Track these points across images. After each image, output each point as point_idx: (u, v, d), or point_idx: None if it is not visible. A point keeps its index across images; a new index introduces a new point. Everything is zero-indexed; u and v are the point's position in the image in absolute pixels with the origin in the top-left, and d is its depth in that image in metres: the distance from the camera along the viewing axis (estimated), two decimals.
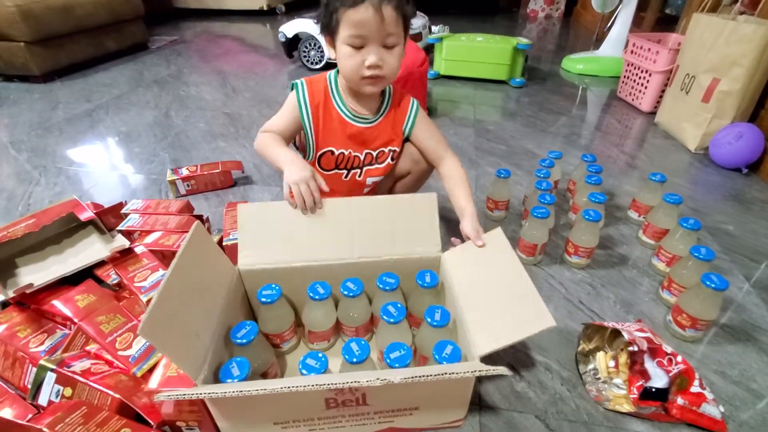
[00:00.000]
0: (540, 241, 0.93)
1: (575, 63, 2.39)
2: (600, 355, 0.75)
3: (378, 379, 0.45)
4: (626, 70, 1.95)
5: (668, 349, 0.69)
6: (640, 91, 1.86)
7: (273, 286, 0.70)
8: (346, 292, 0.70)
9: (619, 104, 1.98)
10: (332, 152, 0.89)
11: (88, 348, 0.71)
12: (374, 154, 0.91)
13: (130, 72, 2.45)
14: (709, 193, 1.30)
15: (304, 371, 0.58)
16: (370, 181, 0.93)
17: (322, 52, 2.30)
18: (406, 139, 0.92)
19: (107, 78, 2.35)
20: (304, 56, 2.36)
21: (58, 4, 2.20)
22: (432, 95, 2.06)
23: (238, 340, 0.61)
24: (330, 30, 0.76)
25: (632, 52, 1.89)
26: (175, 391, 0.46)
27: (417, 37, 2.26)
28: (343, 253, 0.74)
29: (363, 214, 0.75)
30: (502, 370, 0.46)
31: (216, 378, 0.57)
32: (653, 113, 1.79)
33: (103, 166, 1.44)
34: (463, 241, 0.76)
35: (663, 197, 0.98)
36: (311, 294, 0.70)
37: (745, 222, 1.14)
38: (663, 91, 1.76)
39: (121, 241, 0.96)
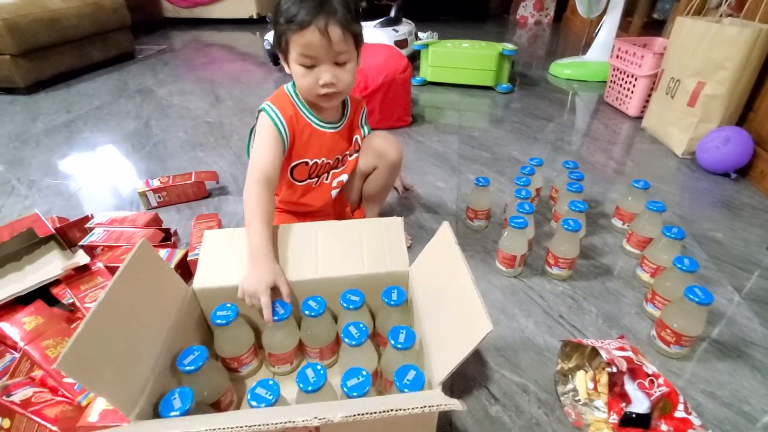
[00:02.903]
0: (519, 252, 0.89)
1: (563, 68, 2.37)
2: (580, 374, 0.71)
3: (316, 418, 0.40)
4: (612, 75, 1.93)
5: (650, 369, 0.64)
6: (626, 96, 1.83)
7: (228, 305, 0.66)
8: (307, 312, 0.66)
9: (606, 109, 1.95)
10: (306, 163, 0.87)
11: (33, 374, 0.67)
12: (340, 157, 0.91)
13: (113, 82, 2.42)
14: (696, 199, 1.26)
15: (253, 402, 0.53)
16: (335, 182, 0.93)
17: None
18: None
19: (90, 88, 2.32)
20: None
21: (44, 16, 2.18)
22: (418, 102, 2.03)
23: (185, 368, 0.57)
24: (282, 49, 0.77)
25: (618, 56, 1.87)
26: None
27: (402, 44, 2.24)
28: (306, 272, 0.69)
29: (328, 237, 0.74)
30: (454, 404, 0.42)
31: (156, 411, 0.52)
32: (640, 118, 1.77)
33: (76, 179, 1.40)
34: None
35: (646, 205, 0.94)
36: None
37: (734, 229, 1.11)
38: (649, 95, 1.73)
39: (82, 259, 0.91)
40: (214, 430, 0.40)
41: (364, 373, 0.55)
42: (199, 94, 2.19)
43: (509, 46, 2.04)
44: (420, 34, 2.53)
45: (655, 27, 2.68)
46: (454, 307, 0.55)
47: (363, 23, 0.76)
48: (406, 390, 0.53)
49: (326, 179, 0.92)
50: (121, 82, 2.42)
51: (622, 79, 1.84)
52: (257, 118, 0.83)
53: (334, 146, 0.88)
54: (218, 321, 0.64)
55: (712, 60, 1.36)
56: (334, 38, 0.71)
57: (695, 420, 0.62)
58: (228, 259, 0.71)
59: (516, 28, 3.97)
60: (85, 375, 0.44)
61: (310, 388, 0.54)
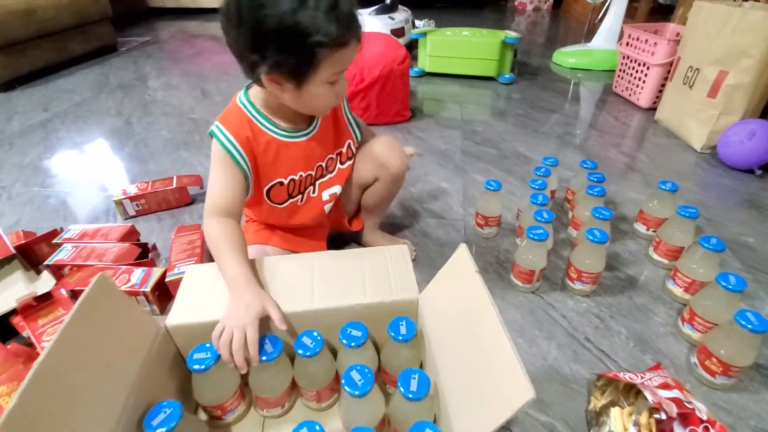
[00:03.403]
0: (538, 267, 0.79)
1: (567, 57, 2.26)
2: (615, 412, 0.62)
3: None
4: (622, 64, 1.82)
5: (702, 413, 0.55)
6: (637, 86, 1.73)
7: (207, 345, 0.56)
8: (301, 351, 0.56)
9: (615, 100, 1.85)
10: (281, 183, 0.74)
11: None
12: (324, 164, 0.78)
13: (94, 76, 2.29)
14: (721, 198, 1.17)
15: None
16: (326, 195, 0.81)
17: None
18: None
19: (70, 84, 2.18)
20: None
21: (19, 8, 2.04)
22: (416, 95, 1.92)
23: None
24: (297, 72, 0.59)
25: (628, 44, 1.76)
26: None
27: (399, 33, 2.12)
28: (300, 302, 0.60)
29: (325, 265, 0.65)
30: None
31: None
32: (653, 109, 1.67)
33: (49, 185, 1.28)
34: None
35: (677, 210, 0.85)
36: None
37: (766, 233, 1.02)
38: (663, 85, 1.63)
39: (45, 283, 0.81)
40: None
41: None
42: (185, 88, 2.06)
43: (512, 33, 1.92)
44: (417, 22, 2.40)
45: (662, 12, 2.57)
46: (480, 356, 0.45)
47: (357, 11, 0.63)
48: None
49: (313, 192, 0.80)
50: (102, 76, 2.28)
51: (633, 68, 1.74)
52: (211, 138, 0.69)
53: (311, 155, 0.75)
54: (196, 366, 0.54)
55: (735, 47, 1.26)
56: (358, 49, 0.62)
57: None
58: (210, 293, 0.61)
59: (514, 15, 3.84)
60: None
61: None
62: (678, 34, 1.56)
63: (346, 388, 0.51)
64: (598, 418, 0.62)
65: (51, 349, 0.41)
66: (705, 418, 0.54)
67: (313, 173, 0.77)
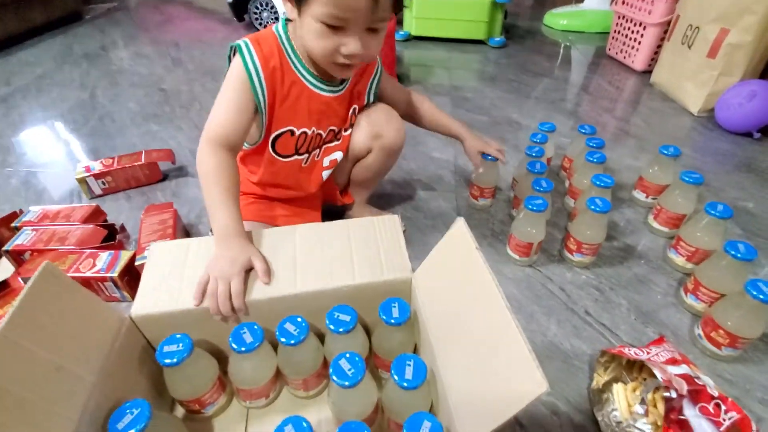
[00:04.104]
0: (536, 239, 0.75)
1: (558, 18, 2.16)
2: (618, 389, 0.59)
3: None
4: (616, 24, 1.74)
5: (713, 389, 0.52)
6: (632, 47, 1.66)
7: (178, 337, 0.50)
8: (284, 339, 0.51)
9: (608, 63, 1.78)
10: (292, 132, 0.68)
11: None
12: (336, 130, 0.72)
13: (58, 47, 2.12)
14: (718, 163, 1.13)
15: None
16: (327, 161, 0.75)
17: (276, 12, 2.01)
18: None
19: (32, 56, 2.02)
20: (256, 18, 2.06)
21: None
22: (402, 60, 1.82)
23: None
24: None
25: (623, 2, 1.68)
26: None
27: None
28: (282, 285, 0.54)
29: (309, 241, 0.59)
30: None
31: None
32: (648, 72, 1.61)
33: (9, 164, 1.18)
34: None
35: (680, 175, 0.80)
36: (235, 344, 0.50)
37: (765, 197, 0.99)
38: (659, 46, 1.57)
39: (4, 269, 0.74)
40: None
41: (365, 430, 0.42)
42: (154, 57, 1.92)
43: None
44: None
45: None
46: (485, 342, 0.40)
47: None
48: None
49: (317, 156, 0.74)
50: (66, 47, 2.12)
51: (628, 29, 1.66)
52: (229, 57, 0.63)
53: (330, 115, 0.70)
54: (167, 361, 0.48)
55: (737, 3, 1.19)
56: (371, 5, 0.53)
57: None
58: (180, 274, 0.55)
59: None
60: None
61: None
62: None
63: (335, 378, 0.46)
64: (601, 396, 0.59)
65: None
66: (716, 394, 0.52)
67: (324, 134, 0.71)
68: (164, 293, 0.53)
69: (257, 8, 2.04)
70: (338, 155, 0.75)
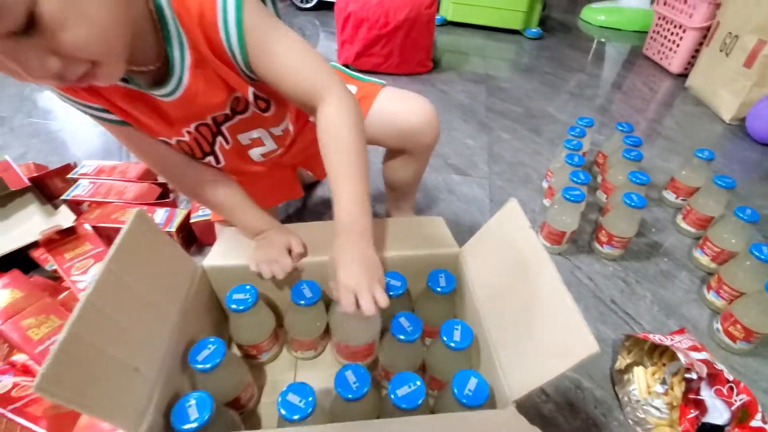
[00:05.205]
0: (570, 228, 0.78)
1: (596, 13, 2.14)
2: (639, 371, 0.63)
3: None
4: (656, 24, 1.73)
5: (729, 374, 0.57)
6: (670, 49, 1.66)
7: (246, 287, 0.55)
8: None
9: (644, 63, 1.78)
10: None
11: (13, 359, 0.57)
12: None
13: None
14: (746, 171, 1.15)
15: (282, 411, 0.44)
16: (245, 140, 0.57)
17: None
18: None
19: None
20: None
21: None
22: (437, 45, 1.83)
23: (200, 366, 0.47)
24: None
25: (665, 3, 1.66)
26: None
27: None
28: None
29: None
30: None
31: (167, 421, 0.43)
32: (683, 75, 1.61)
33: (56, 117, 1.23)
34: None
35: (713, 179, 0.83)
36: (295, 298, 0.55)
37: None
38: (697, 50, 1.56)
39: (64, 217, 0.79)
40: None
41: (418, 383, 0.46)
42: None
43: None
44: None
45: None
46: (536, 310, 0.45)
47: None
48: (467, 403, 0.44)
49: (227, 144, 0.56)
50: None
51: (668, 30, 1.66)
52: None
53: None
54: (235, 306, 0.53)
55: None
56: None
57: None
58: (249, 241, 0.60)
59: None
60: (73, 395, 0.34)
61: (350, 396, 0.45)
62: None
63: (395, 333, 0.51)
64: (623, 377, 0.64)
65: (96, 286, 0.39)
66: (731, 378, 0.56)
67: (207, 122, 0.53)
68: (234, 251, 0.58)
69: None
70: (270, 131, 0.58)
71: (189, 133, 0.52)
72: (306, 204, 0.94)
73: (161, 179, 0.90)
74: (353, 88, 0.63)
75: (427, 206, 0.95)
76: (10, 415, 0.48)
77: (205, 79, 0.45)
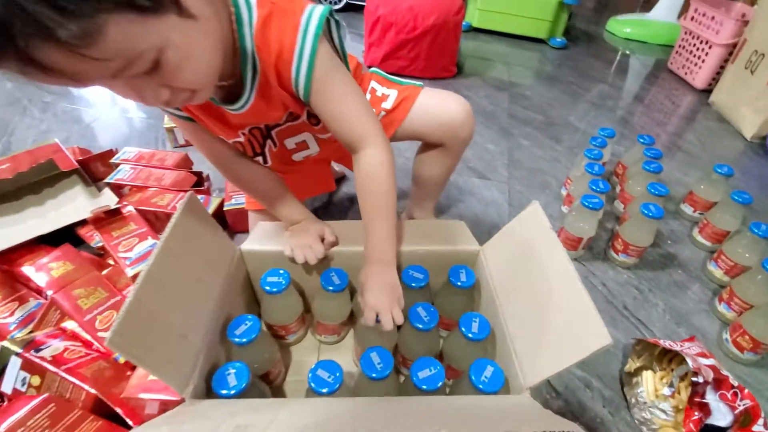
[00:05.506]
0: (587, 235, 0.81)
1: (622, 26, 2.15)
2: (647, 375, 0.65)
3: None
4: (682, 39, 1.74)
5: (735, 381, 0.59)
6: (695, 64, 1.66)
7: (280, 271, 0.59)
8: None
9: (668, 77, 1.78)
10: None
11: (63, 325, 0.62)
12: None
13: None
14: (763, 188, 1.16)
15: (313, 385, 0.48)
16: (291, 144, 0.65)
17: None
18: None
19: None
20: None
21: None
22: (461, 50, 1.86)
23: (237, 339, 0.51)
24: None
25: (693, 18, 1.67)
26: (149, 430, 0.37)
27: None
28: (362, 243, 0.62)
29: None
30: (575, 429, 0.36)
31: (208, 386, 0.47)
32: (707, 91, 1.61)
33: (95, 105, 1.30)
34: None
35: (731, 195, 0.85)
36: (324, 284, 0.59)
37: None
38: (722, 67, 1.57)
39: (109, 198, 0.84)
40: None
41: (438, 367, 0.50)
42: None
43: None
44: None
45: None
46: (554, 305, 0.48)
47: None
48: (484, 389, 0.48)
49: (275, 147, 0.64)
50: None
51: (694, 45, 1.66)
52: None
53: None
54: (269, 288, 0.57)
55: None
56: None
57: None
58: (284, 231, 0.65)
59: None
60: (137, 352, 0.38)
61: (374, 375, 0.49)
62: (744, 15, 1.48)
63: (413, 321, 0.54)
64: (631, 379, 0.66)
65: (155, 259, 0.44)
66: (736, 384, 0.58)
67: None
68: (269, 238, 0.63)
69: None
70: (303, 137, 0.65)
71: (244, 134, 0.59)
72: (332, 198, 0.99)
73: (196, 168, 0.95)
74: (393, 92, 0.67)
75: (448, 207, 0.98)
76: (63, 374, 0.53)
77: (267, 99, 0.51)
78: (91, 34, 0.29)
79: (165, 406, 0.52)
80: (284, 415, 0.39)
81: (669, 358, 0.67)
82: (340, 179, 1.03)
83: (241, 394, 0.47)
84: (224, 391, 0.46)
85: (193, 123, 0.56)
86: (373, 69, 0.71)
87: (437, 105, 0.68)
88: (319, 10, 0.46)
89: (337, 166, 0.94)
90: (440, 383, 0.49)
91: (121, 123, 1.22)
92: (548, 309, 0.48)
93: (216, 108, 0.52)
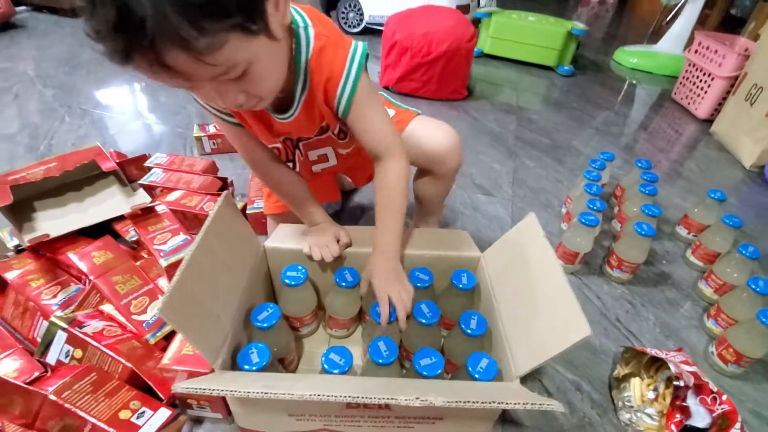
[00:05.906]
0: (583, 250, 0.86)
1: (629, 56, 2.23)
2: (635, 381, 0.70)
3: (418, 399, 0.40)
4: (686, 71, 1.81)
5: (714, 386, 0.63)
6: (698, 95, 1.73)
7: (299, 267, 0.66)
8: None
9: (671, 107, 1.85)
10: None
11: (101, 308, 0.68)
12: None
13: None
14: (759, 216, 1.20)
15: (326, 366, 0.54)
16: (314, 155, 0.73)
17: (362, 14, 2.18)
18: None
19: None
20: (342, 17, 2.24)
21: None
22: (472, 75, 1.95)
23: (259, 324, 0.57)
24: None
25: (696, 51, 1.74)
26: (194, 384, 0.43)
27: (465, 9, 2.12)
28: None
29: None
30: (557, 406, 0.42)
31: (234, 362, 0.53)
32: (708, 121, 1.67)
33: (128, 113, 1.40)
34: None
35: (722, 218, 0.90)
36: (338, 280, 0.65)
37: None
38: (724, 98, 1.63)
39: (143, 198, 0.92)
40: (325, 396, 0.41)
41: (438, 357, 0.55)
42: None
43: (579, 24, 1.91)
44: (481, 1, 2.39)
45: (733, 24, 2.50)
46: (543, 303, 0.53)
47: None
48: (479, 378, 0.53)
49: (301, 156, 0.74)
50: None
51: (697, 77, 1.73)
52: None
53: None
54: (288, 281, 0.64)
55: None
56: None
57: None
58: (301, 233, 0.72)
59: (577, 6, 3.74)
60: (181, 323, 0.45)
61: (381, 361, 0.55)
62: (746, 49, 1.55)
63: (417, 317, 0.60)
64: (620, 384, 0.71)
65: (197, 247, 0.51)
66: (715, 389, 0.63)
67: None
68: (289, 237, 0.70)
69: (345, 9, 2.22)
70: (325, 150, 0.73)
71: (281, 142, 0.70)
72: (344, 207, 1.05)
73: (221, 175, 1.03)
74: (391, 112, 0.74)
75: (453, 220, 1.04)
76: (104, 349, 0.59)
77: (308, 113, 0.60)
78: (214, 46, 0.37)
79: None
80: (301, 384, 0.45)
81: (656, 367, 0.71)
82: (352, 191, 1.10)
83: (261, 371, 0.53)
84: (247, 367, 0.52)
85: (240, 128, 0.63)
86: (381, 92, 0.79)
87: (425, 134, 0.73)
88: (361, 46, 0.56)
89: (345, 179, 1.02)
90: (439, 370, 0.54)
91: (151, 132, 1.31)
92: (537, 307, 0.54)
93: (266, 116, 0.61)
